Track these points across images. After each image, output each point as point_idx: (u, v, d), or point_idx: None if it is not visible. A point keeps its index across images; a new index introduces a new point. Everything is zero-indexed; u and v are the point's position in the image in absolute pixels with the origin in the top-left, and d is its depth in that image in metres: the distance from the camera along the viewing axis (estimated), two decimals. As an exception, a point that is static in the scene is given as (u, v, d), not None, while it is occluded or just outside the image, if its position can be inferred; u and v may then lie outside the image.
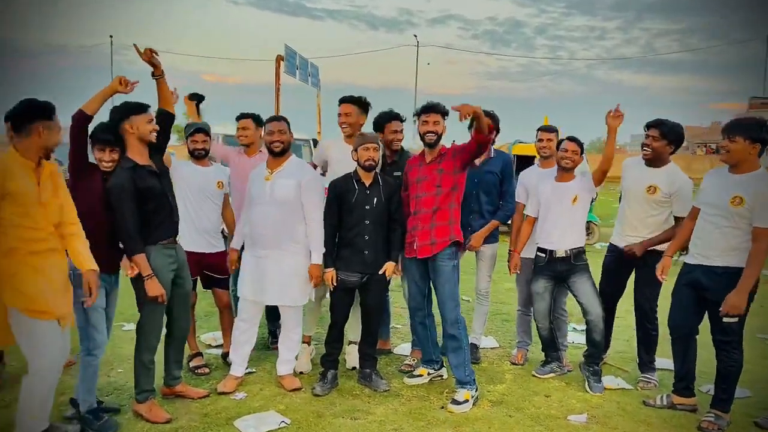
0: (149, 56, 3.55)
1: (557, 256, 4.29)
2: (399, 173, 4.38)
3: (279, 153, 4.04)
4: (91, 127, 3.41)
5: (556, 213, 4.30)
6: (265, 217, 4.01)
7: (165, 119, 3.68)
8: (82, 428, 3.41)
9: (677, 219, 4.14)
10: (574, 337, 5.31)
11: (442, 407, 3.91)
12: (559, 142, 4.37)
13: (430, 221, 4.02)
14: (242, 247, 4.25)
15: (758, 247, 3.45)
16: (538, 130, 4.74)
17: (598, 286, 4.38)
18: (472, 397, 3.94)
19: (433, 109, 4.05)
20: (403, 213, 4.18)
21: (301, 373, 4.40)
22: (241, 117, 4.68)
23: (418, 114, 4.12)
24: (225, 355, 4.56)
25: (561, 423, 3.75)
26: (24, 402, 3.05)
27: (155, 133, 3.57)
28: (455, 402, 3.90)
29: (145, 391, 3.65)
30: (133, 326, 5.06)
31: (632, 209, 4.28)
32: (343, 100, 4.55)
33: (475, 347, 4.74)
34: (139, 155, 3.52)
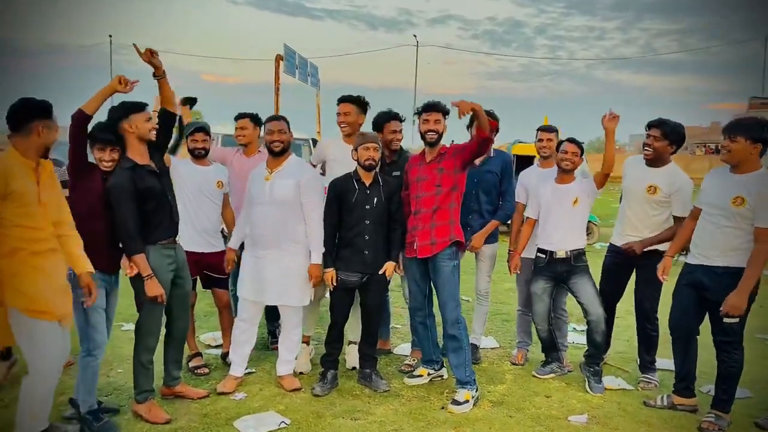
0: (149, 57, 3.54)
1: (557, 257, 4.29)
2: (398, 173, 4.38)
3: (279, 153, 4.03)
4: (90, 128, 3.40)
5: (557, 215, 4.30)
6: (265, 217, 4.00)
7: (167, 119, 3.67)
8: (81, 429, 3.40)
9: (676, 219, 4.13)
10: (575, 338, 5.30)
11: (443, 408, 3.91)
12: (559, 144, 4.37)
13: (430, 221, 4.01)
14: (242, 248, 4.25)
15: (760, 248, 3.45)
16: (538, 130, 4.73)
17: (598, 286, 4.37)
18: (473, 397, 3.93)
19: (434, 107, 4.04)
20: (404, 213, 4.17)
21: (300, 373, 4.40)
22: (239, 117, 4.67)
23: (419, 113, 4.11)
24: (224, 355, 4.56)
25: (562, 423, 3.74)
26: (24, 402, 3.04)
27: (155, 132, 3.56)
28: (455, 402, 3.89)
29: (145, 392, 3.64)
30: (132, 326, 5.05)
31: (633, 209, 4.27)
32: (342, 100, 4.55)
33: (475, 347, 4.73)
34: (138, 155, 3.51)
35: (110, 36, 53.97)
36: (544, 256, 4.35)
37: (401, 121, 4.59)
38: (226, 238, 4.67)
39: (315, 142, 10.59)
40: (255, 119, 4.67)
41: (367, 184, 4.08)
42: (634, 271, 4.36)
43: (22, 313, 2.94)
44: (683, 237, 3.89)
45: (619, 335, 5.14)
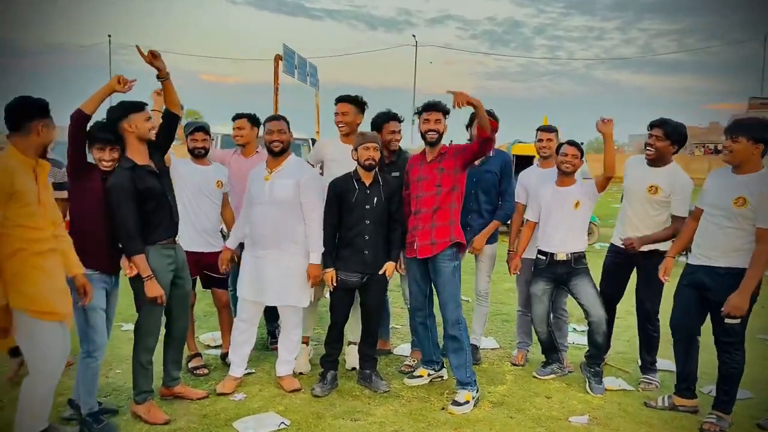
0: (151, 59, 3.52)
1: (558, 259, 4.27)
2: (397, 174, 4.36)
3: (278, 153, 4.01)
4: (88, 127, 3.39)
5: (557, 218, 4.28)
6: (265, 217, 3.99)
7: (170, 120, 3.66)
8: (81, 430, 3.39)
9: (675, 218, 4.12)
10: (575, 338, 5.29)
11: (443, 408, 3.90)
12: (559, 146, 4.35)
13: (431, 221, 4.00)
14: (242, 248, 4.23)
15: (761, 249, 3.44)
16: (538, 130, 4.72)
17: (598, 286, 4.36)
18: (473, 398, 3.92)
19: (434, 107, 4.03)
20: (404, 212, 4.16)
21: (300, 373, 4.38)
22: (237, 117, 4.66)
23: (419, 112, 4.10)
24: (224, 356, 4.54)
25: (562, 424, 3.73)
26: (24, 402, 3.03)
27: (154, 132, 3.55)
28: (456, 403, 3.88)
29: (144, 392, 3.62)
30: (131, 326, 5.03)
31: (633, 209, 4.26)
32: (340, 99, 4.53)
33: (475, 348, 4.71)
34: (138, 154, 3.50)
35: (109, 36, 53.89)
36: (544, 258, 4.34)
37: (400, 121, 4.58)
38: (225, 237, 4.66)
39: (314, 141, 10.57)
40: (252, 119, 4.66)
41: (367, 184, 4.07)
42: (635, 271, 4.35)
43: (26, 314, 2.92)
44: (685, 237, 3.88)
45: (620, 335, 5.13)
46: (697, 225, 3.76)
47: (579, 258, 4.27)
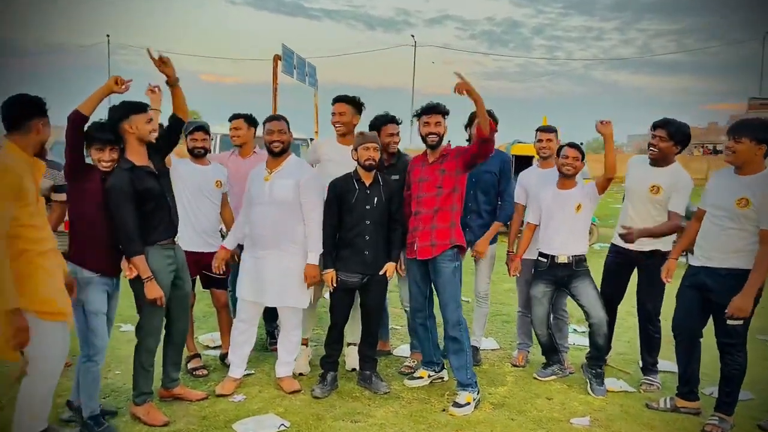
0: (161, 65, 3.52)
1: (559, 262, 4.26)
2: (397, 176, 4.33)
3: (278, 153, 4.00)
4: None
5: (558, 220, 4.27)
6: (264, 218, 3.97)
7: (176, 125, 3.67)
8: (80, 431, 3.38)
9: (671, 214, 4.10)
10: (575, 339, 5.28)
11: (444, 410, 3.88)
12: (560, 149, 4.33)
13: (431, 222, 3.98)
14: (242, 248, 4.21)
15: (765, 250, 3.42)
16: (537, 130, 4.69)
17: (598, 287, 4.35)
18: (474, 399, 3.90)
19: (434, 109, 4.01)
20: (404, 213, 4.14)
21: (300, 374, 4.36)
22: (234, 117, 4.66)
23: (419, 115, 4.08)
24: (223, 356, 4.52)
25: (564, 426, 3.72)
26: (24, 402, 3.01)
27: (155, 134, 3.53)
28: (457, 405, 3.86)
29: (144, 394, 3.60)
30: (130, 327, 5.03)
31: (635, 208, 4.25)
32: (337, 100, 4.51)
33: (475, 349, 4.70)
34: (137, 155, 3.47)
35: (108, 36, 53.80)
36: (545, 260, 4.32)
37: (398, 123, 4.56)
38: (224, 238, 4.64)
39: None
40: (249, 120, 4.65)
41: (368, 184, 4.05)
42: (636, 272, 4.33)
43: (31, 315, 2.86)
44: (687, 238, 3.87)
45: (620, 336, 5.12)
46: (700, 226, 3.74)
47: (580, 261, 4.25)
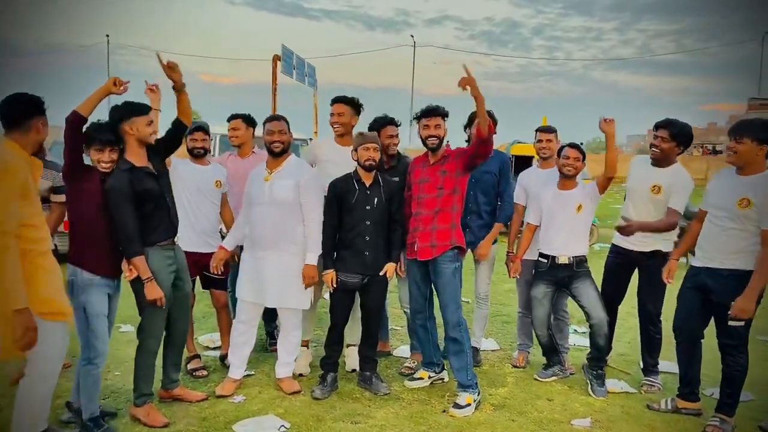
0: (169, 71, 3.53)
1: (559, 262, 4.25)
2: (397, 178, 4.32)
3: (279, 153, 3.99)
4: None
5: (559, 221, 4.26)
6: (264, 218, 3.96)
7: (178, 129, 3.68)
8: (80, 433, 3.37)
9: (669, 211, 4.10)
10: (576, 340, 5.27)
11: (444, 411, 3.87)
12: (560, 150, 4.32)
13: (431, 223, 3.97)
14: (241, 249, 4.20)
15: (767, 251, 3.41)
16: (537, 130, 4.69)
17: (599, 287, 4.34)
18: (474, 400, 3.89)
19: (433, 112, 4.00)
20: (404, 213, 4.13)
21: (300, 375, 4.35)
22: (232, 118, 4.65)
23: (418, 118, 4.07)
24: (223, 357, 4.51)
25: (565, 427, 3.71)
26: (23, 402, 3.00)
27: (155, 136, 3.52)
28: (457, 406, 3.85)
29: (144, 395, 3.59)
30: (130, 328, 5.02)
31: (636, 208, 4.25)
32: (336, 100, 4.50)
33: (475, 350, 4.69)
34: (136, 156, 3.46)
35: (107, 36, 53.78)
36: (545, 261, 4.32)
37: (397, 125, 4.56)
38: (224, 238, 4.63)
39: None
40: (247, 120, 4.65)
41: (368, 185, 4.04)
42: (637, 273, 4.33)
43: (34, 316, 2.83)
44: (689, 239, 3.87)
45: (621, 337, 5.11)
46: (701, 227, 3.74)
47: (581, 261, 4.25)
